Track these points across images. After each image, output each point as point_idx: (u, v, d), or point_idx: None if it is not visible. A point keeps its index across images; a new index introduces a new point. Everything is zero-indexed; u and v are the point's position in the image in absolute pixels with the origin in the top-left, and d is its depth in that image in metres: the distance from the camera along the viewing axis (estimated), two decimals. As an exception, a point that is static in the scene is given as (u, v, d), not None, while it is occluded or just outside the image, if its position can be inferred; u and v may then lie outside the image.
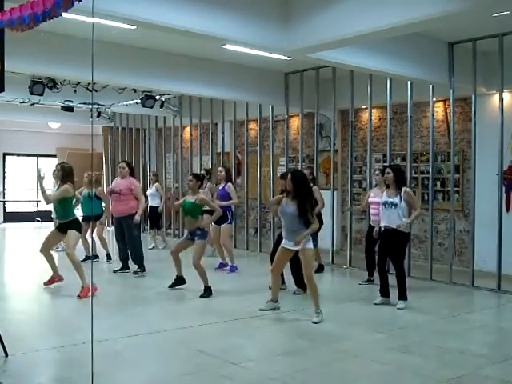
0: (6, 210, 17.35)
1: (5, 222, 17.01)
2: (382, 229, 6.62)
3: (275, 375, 4.26)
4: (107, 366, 4.39)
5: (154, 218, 11.57)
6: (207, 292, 7.01)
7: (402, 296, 6.45)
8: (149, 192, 11.55)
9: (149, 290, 7.50)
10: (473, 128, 8.05)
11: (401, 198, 6.44)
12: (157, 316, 6.14)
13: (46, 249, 7.36)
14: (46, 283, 7.47)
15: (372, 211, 7.72)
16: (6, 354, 4.49)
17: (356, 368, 4.60)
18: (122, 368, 4.50)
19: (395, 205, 6.42)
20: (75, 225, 7.17)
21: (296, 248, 5.92)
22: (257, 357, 4.77)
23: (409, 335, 5.48)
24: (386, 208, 6.53)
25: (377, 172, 7.91)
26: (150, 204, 11.47)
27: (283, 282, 7.19)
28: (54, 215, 9.12)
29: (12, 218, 17.17)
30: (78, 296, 6.75)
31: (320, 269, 8.85)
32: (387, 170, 6.69)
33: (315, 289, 5.94)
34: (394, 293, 6.62)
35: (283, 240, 6.06)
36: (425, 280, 8.23)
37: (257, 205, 11.48)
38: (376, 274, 7.10)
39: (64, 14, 2.97)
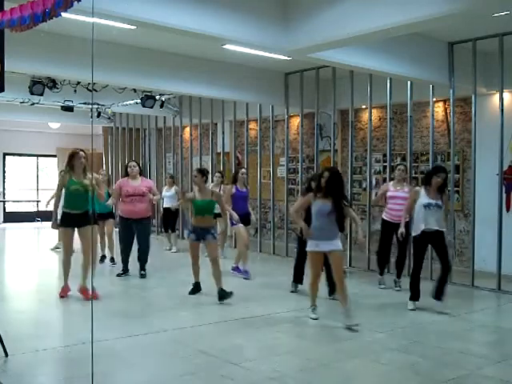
0: (6, 210, 17.35)
1: (5, 222, 17.01)
2: (417, 232, 6.32)
3: (275, 375, 4.26)
4: (107, 366, 4.39)
5: (170, 220, 11.24)
6: (227, 293, 6.66)
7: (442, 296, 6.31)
8: (168, 194, 11.09)
9: (149, 290, 7.50)
10: (473, 128, 8.05)
11: (442, 200, 6.33)
12: (157, 316, 6.13)
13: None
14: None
15: (395, 206, 7.37)
16: (6, 354, 4.49)
17: (356, 368, 4.60)
18: (122, 368, 4.50)
19: (440, 207, 6.29)
20: (60, 221, 6.82)
21: (333, 248, 5.69)
22: (257, 357, 4.77)
23: (409, 335, 5.48)
24: (430, 210, 6.24)
25: (401, 167, 7.64)
26: (165, 206, 11.14)
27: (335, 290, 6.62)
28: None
29: (12, 218, 17.17)
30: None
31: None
32: (441, 174, 6.31)
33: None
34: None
35: (312, 244, 5.77)
36: (425, 280, 8.18)
37: (257, 205, 11.47)
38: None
39: (64, 14, 2.97)
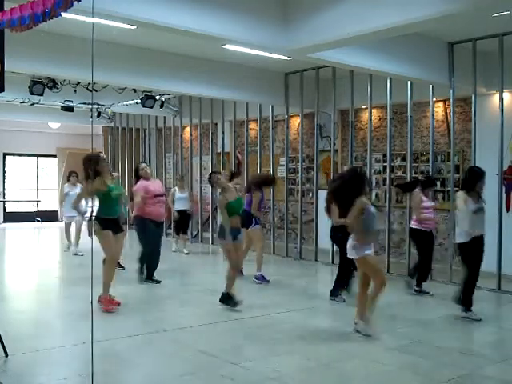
0: (6, 210, 17.36)
1: (5, 222, 17.01)
2: (466, 238, 6.06)
3: (275, 375, 4.26)
4: (107, 366, 4.39)
5: (185, 222, 11.05)
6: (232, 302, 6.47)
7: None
8: (182, 196, 10.78)
9: (149, 291, 7.50)
10: (473, 128, 8.05)
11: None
12: (157, 316, 6.13)
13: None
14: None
15: (431, 215, 7.31)
16: (6, 354, 4.49)
17: (356, 368, 4.60)
18: (122, 368, 4.50)
19: (484, 210, 6.14)
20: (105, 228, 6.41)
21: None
22: (257, 357, 4.77)
23: (409, 335, 5.48)
24: (478, 214, 6.05)
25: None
26: (180, 208, 10.79)
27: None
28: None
29: (12, 218, 17.18)
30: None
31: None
32: (484, 179, 6.12)
33: None
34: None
35: (368, 247, 5.45)
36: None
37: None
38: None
39: (64, 14, 2.97)
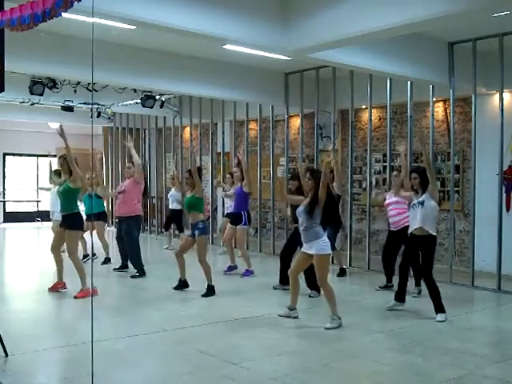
0: (6, 210, 17.36)
1: (5, 222, 17.02)
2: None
3: (275, 375, 4.25)
4: (107, 366, 4.38)
5: (177, 219, 11.25)
6: (210, 291, 7.01)
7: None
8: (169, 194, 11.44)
9: (149, 291, 7.50)
10: (473, 128, 8.05)
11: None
12: (157, 316, 6.13)
13: (55, 249, 7.19)
14: (50, 289, 7.22)
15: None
16: (6, 354, 4.49)
17: (356, 368, 4.60)
18: (122, 368, 4.50)
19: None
20: (75, 221, 7.02)
21: None
22: (257, 357, 4.77)
23: (409, 335, 5.48)
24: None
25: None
26: (171, 207, 11.31)
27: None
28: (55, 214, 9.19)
29: (12, 217, 17.18)
30: (75, 297, 6.72)
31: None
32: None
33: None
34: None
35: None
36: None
37: (257, 205, 11.47)
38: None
39: (64, 14, 2.98)
